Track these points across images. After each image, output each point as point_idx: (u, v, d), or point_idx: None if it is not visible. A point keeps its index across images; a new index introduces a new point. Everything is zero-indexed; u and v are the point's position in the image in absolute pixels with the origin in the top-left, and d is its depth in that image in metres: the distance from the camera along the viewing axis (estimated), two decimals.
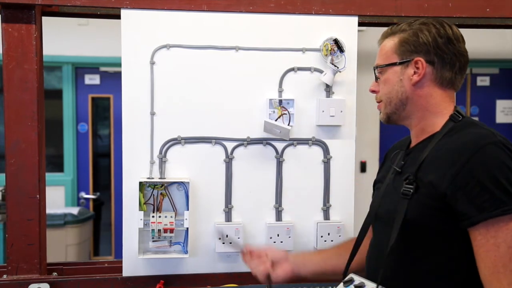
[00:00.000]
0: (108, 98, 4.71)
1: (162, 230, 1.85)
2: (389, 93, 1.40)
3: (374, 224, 1.48)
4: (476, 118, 4.76)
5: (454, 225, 1.23)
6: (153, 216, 1.86)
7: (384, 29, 1.47)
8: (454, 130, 1.32)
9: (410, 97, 1.37)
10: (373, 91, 1.46)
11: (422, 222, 1.28)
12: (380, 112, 1.45)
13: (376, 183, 1.57)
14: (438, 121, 1.36)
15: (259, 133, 1.92)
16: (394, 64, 1.38)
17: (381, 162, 1.65)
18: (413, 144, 1.43)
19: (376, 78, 1.44)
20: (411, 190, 1.29)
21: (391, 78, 1.39)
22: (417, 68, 1.35)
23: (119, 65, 1.87)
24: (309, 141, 1.96)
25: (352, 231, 1.97)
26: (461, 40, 1.37)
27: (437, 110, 1.37)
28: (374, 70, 1.44)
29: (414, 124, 1.41)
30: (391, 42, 1.40)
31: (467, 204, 1.20)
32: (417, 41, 1.35)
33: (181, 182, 1.88)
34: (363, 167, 4.39)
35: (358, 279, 1.37)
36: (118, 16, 1.86)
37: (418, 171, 1.30)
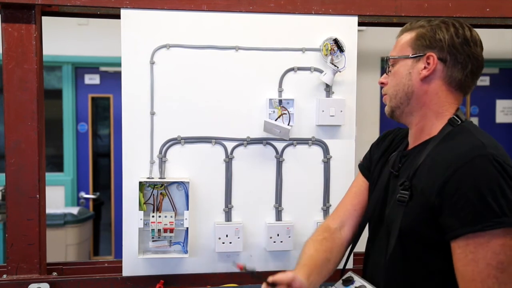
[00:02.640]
0: (108, 98, 4.71)
1: (162, 230, 1.85)
2: (396, 85, 1.38)
3: (370, 224, 1.48)
4: (476, 118, 4.77)
5: (442, 236, 1.22)
6: (153, 216, 1.86)
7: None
8: (450, 136, 1.30)
9: (415, 92, 1.35)
10: (381, 83, 1.45)
11: (415, 230, 1.26)
12: (386, 105, 1.44)
13: (374, 177, 1.51)
14: (437, 124, 1.34)
15: (259, 133, 1.92)
16: (406, 56, 1.37)
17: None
18: (410, 146, 1.41)
19: (387, 71, 1.43)
20: (406, 197, 1.28)
21: (401, 70, 1.37)
22: (428, 63, 1.33)
23: (119, 65, 1.86)
24: (309, 141, 1.96)
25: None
26: (478, 44, 1.35)
27: (439, 111, 1.35)
28: (387, 61, 1.42)
29: (415, 123, 1.38)
30: (408, 36, 1.38)
31: (451, 217, 1.19)
32: (433, 37, 1.33)
33: (181, 182, 1.88)
34: None
35: (358, 280, 1.36)
36: (118, 16, 1.86)
37: (413, 177, 1.29)
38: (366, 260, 1.48)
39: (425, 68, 1.34)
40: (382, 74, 1.49)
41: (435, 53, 1.33)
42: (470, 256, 1.16)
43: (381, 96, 1.47)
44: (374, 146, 1.60)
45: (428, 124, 1.36)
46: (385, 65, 1.43)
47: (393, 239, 1.29)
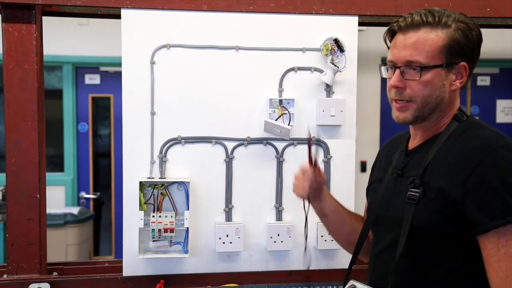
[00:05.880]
0: (108, 98, 4.72)
1: (162, 230, 1.85)
2: (429, 96, 1.25)
3: (374, 228, 1.42)
4: (476, 118, 4.77)
5: (463, 232, 1.18)
6: (153, 216, 1.86)
7: (385, 29, 1.38)
8: (459, 131, 1.26)
9: (444, 103, 1.27)
10: (396, 87, 1.27)
11: (429, 228, 1.22)
12: (401, 111, 1.28)
13: (371, 184, 1.49)
14: (442, 121, 1.29)
15: (259, 133, 1.92)
16: (441, 66, 1.24)
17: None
18: (413, 144, 1.35)
19: (402, 73, 1.26)
20: (417, 195, 1.23)
21: (435, 81, 1.24)
22: (460, 73, 1.25)
23: (119, 65, 1.87)
24: None
25: None
26: None
27: (447, 111, 1.29)
28: (409, 64, 1.24)
29: (427, 126, 1.31)
30: (437, 38, 1.23)
31: (478, 211, 1.15)
32: (468, 44, 1.24)
33: (181, 182, 1.88)
34: (363, 167, 4.39)
35: (361, 287, 1.32)
36: (118, 16, 1.86)
37: (424, 174, 1.24)
38: (371, 265, 1.42)
39: (456, 78, 1.26)
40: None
41: (467, 62, 1.25)
42: (503, 250, 1.13)
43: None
44: (374, 165, 1.54)
45: (435, 124, 1.30)
46: (401, 66, 1.25)
47: (403, 239, 1.24)
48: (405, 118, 1.29)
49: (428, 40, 1.23)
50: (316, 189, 1.50)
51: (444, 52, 1.23)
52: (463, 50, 1.24)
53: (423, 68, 1.23)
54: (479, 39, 1.27)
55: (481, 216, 1.14)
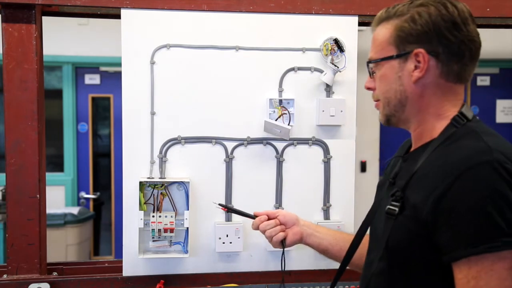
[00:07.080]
0: (108, 98, 4.72)
1: (162, 230, 1.85)
2: (386, 92, 1.19)
3: (369, 238, 1.32)
4: (479, 123, 4.76)
5: (438, 256, 1.05)
6: (153, 216, 1.86)
7: None
8: (452, 138, 1.11)
9: (409, 97, 1.16)
10: (368, 88, 1.26)
11: (403, 248, 1.10)
12: (379, 113, 1.27)
13: (377, 191, 1.38)
14: (438, 125, 1.16)
15: (259, 133, 1.92)
16: (390, 57, 1.17)
17: (382, 162, 1.56)
18: (412, 148, 1.24)
19: (371, 73, 1.24)
20: (396, 210, 1.11)
21: (388, 74, 1.18)
22: (418, 61, 1.13)
23: (119, 65, 1.87)
24: (309, 141, 1.96)
25: (352, 231, 1.97)
26: (470, 21, 1.15)
27: (438, 112, 1.16)
28: (368, 64, 1.23)
29: (413, 128, 1.21)
30: (386, 31, 1.18)
31: (448, 236, 1.01)
32: (415, 28, 1.13)
33: (181, 181, 1.88)
34: (363, 167, 4.39)
35: None
36: (118, 16, 1.86)
37: (407, 186, 1.12)
38: (361, 277, 1.31)
39: (416, 68, 1.14)
40: None
41: (423, 47, 1.12)
42: (472, 282, 0.99)
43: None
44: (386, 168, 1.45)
45: (427, 128, 1.18)
46: (367, 67, 1.25)
47: (377, 257, 1.15)
48: (380, 120, 1.26)
49: (379, 34, 1.20)
50: (291, 229, 1.52)
51: (392, 43, 1.17)
52: (411, 36, 1.13)
53: (375, 63, 1.21)
54: (446, 20, 1.13)
55: (452, 242, 1.01)
